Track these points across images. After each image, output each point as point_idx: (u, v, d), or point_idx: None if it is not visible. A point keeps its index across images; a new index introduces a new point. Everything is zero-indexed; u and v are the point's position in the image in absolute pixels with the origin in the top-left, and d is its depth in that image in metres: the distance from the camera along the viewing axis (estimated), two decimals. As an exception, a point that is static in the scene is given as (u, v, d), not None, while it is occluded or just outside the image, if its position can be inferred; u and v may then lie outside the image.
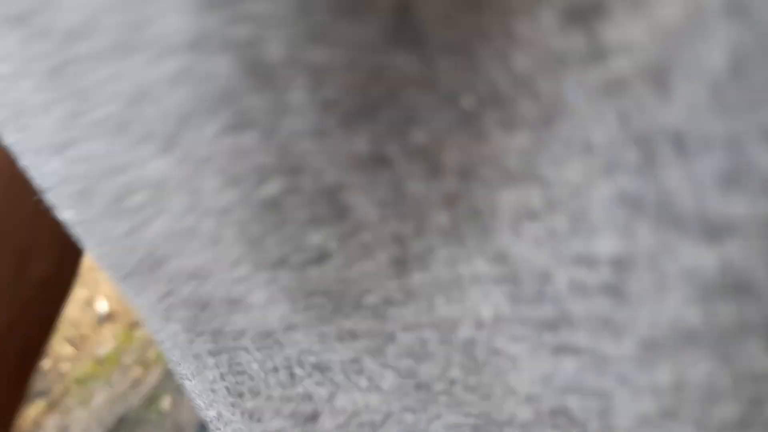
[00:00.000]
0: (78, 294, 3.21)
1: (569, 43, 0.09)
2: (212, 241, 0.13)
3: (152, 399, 2.25)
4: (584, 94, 0.09)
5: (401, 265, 0.12)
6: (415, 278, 0.12)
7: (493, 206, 0.11)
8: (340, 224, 0.12)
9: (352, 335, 0.14)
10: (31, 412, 2.70)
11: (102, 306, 3.03)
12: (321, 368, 0.15)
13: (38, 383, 2.84)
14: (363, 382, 0.15)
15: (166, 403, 2.16)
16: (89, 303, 3.12)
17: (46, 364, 2.96)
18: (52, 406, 2.67)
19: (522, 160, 0.10)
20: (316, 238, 0.12)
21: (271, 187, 0.11)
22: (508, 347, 0.12)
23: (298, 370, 0.16)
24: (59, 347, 2.98)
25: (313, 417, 0.16)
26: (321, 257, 0.12)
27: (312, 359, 0.15)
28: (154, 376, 2.32)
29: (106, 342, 2.79)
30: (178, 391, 2.11)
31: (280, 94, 0.09)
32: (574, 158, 0.10)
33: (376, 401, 0.15)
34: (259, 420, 0.18)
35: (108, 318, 2.97)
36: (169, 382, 2.21)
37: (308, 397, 0.16)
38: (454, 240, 0.11)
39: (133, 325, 2.71)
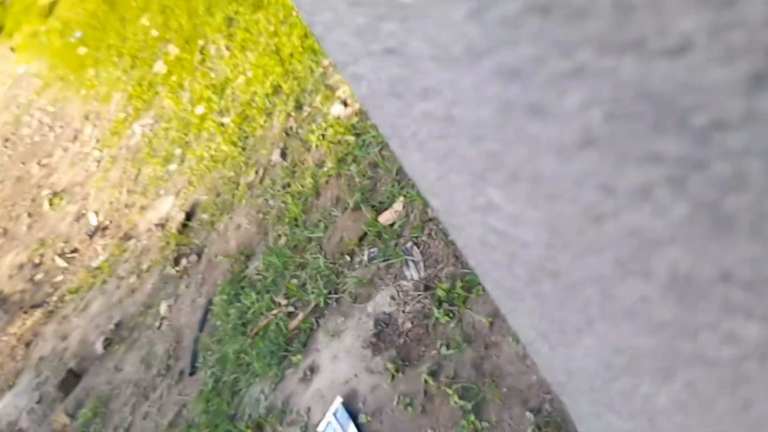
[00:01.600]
0: (67, 209, 3.22)
1: None
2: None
3: (149, 305, 2.30)
4: None
5: (759, 80, 0.11)
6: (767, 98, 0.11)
7: None
8: (720, 12, 0.10)
9: (655, 159, 0.13)
10: (29, 322, 2.77)
11: (92, 220, 3.05)
12: (605, 190, 0.15)
13: (34, 295, 2.89)
14: (647, 208, 0.14)
15: (163, 308, 2.21)
16: (78, 218, 3.13)
17: (39, 276, 3.00)
18: (49, 316, 2.74)
19: None
20: (686, 23, 0.11)
21: None
22: None
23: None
24: (51, 261, 3.02)
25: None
26: (682, 48, 0.11)
27: (597, 179, 0.15)
28: (149, 285, 2.38)
29: (97, 254, 2.82)
30: (175, 298, 2.14)
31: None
32: None
33: (659, 226, 0.15)
34: None
35: (98, 231, 2.99)
36: (165, 289, 2.28)
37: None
38: None
39: (125, 237, 2.73)
